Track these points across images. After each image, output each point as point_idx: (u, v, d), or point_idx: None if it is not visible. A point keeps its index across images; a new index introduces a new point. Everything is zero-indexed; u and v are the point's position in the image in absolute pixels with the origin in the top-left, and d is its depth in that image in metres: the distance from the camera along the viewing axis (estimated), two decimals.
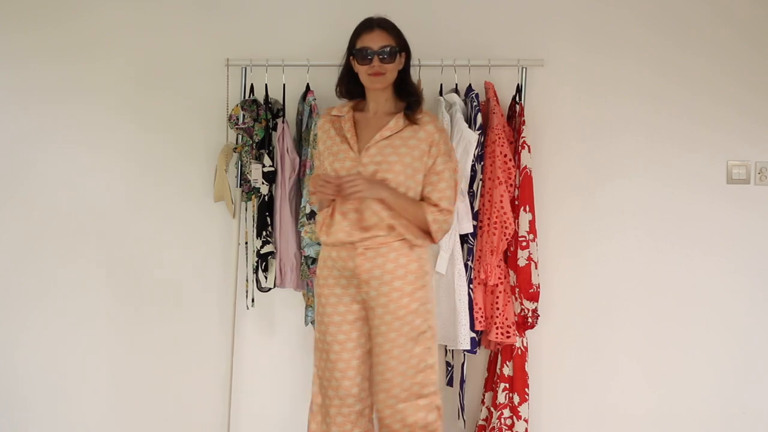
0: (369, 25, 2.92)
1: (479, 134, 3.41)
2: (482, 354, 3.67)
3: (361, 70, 2.91)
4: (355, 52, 2.91)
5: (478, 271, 3.43)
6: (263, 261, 3.55)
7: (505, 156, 3.42)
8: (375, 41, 2.88)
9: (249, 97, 3.62)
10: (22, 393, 3.81)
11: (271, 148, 3.54)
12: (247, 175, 3.56)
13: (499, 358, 3.54)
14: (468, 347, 3.41)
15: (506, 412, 3.51)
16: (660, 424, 3.66)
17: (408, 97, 2.95)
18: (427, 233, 2.94)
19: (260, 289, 3.60)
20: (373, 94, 2.97)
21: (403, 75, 2.97)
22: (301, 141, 3.57)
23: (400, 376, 2.88)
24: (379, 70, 2.88)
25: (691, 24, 3.60)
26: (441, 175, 2.92)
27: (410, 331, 2.88)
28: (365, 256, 2.88)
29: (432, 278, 3.03)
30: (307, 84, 3.57)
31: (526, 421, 3.51)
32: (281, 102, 3.61)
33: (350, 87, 3.01)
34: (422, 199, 2.93)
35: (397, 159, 2.87)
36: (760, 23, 3.59)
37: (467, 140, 3.38)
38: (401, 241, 2.90)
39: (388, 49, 2.88)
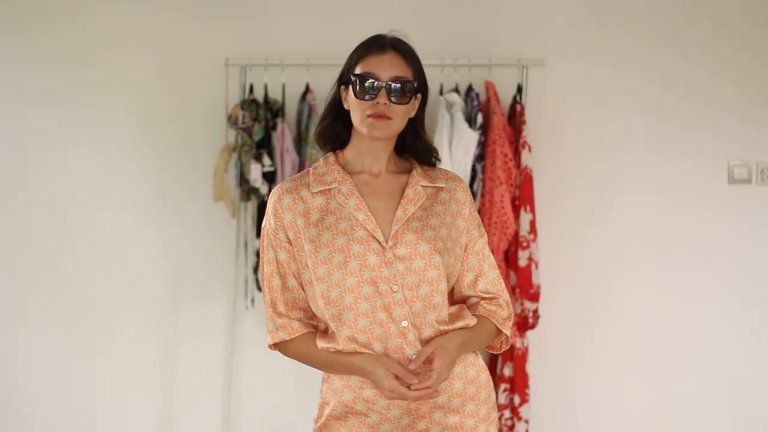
0: (380, 44, 1.96)
1: (479, 134, 3.40)
2: (482, 355, 3.66)
3: (357, 108, 1.94)
4: (353, 78, 1.95)
5: None
6: None
7: (506, 156, 3.41)
8: (385, 68, 1.93)
9: (248, 96, 3.61)
10: (21, 392, 3.80)
11: (270, 148, 3.54)
12: (247, 175, 3.55)
13: (500, 358, 3.53)
14: None
15: (507, 413, 3.50)
16: (662, 425, 3.65)
17: (419, 157, 2.05)
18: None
19: (260, 289, 3.59)
20: (371, 147, 1.99)
21: (416, 126, 2.03)
22: (301, 141, 3.57)
23: None
24: (385, 111, 1.92)
25: (689, 20, 3.61)
26: (480, 252, 2.07)
27: None
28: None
29: None
30: (307, 84, 3.56)
31: (526, 422, 3.50)
32: (281, 102, 3.60)
33: (335, 132, 2.05)
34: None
35: (434, 235, 1.97)
36: (759, 31, 3.59)
37: (467, 140, 3.37)
38: None
39: (402, 84, 1.93)
